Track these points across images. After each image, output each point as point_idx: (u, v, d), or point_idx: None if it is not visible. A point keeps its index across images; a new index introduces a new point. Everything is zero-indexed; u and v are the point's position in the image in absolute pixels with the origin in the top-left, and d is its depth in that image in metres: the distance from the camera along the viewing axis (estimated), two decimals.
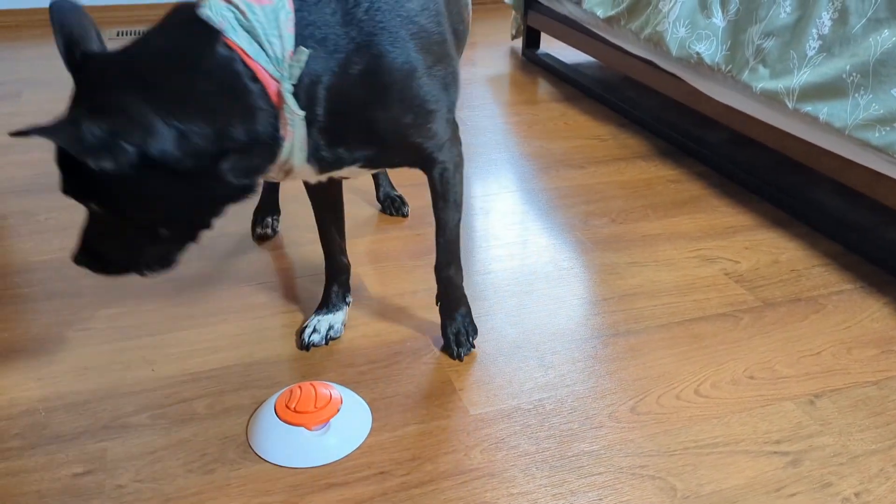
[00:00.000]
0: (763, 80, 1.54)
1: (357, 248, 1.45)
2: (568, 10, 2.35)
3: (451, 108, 1.03)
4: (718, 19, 1.68)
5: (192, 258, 1.40)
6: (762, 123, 1.62)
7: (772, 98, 1.52)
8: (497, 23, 3.24)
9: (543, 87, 2.42)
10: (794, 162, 1.62)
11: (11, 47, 2.69)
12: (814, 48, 1.44)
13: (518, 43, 2.91)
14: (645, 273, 1.39)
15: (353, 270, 1.30)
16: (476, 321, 1.19)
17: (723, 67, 1.66)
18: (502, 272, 1.40)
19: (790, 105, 1.47)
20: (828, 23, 1.41)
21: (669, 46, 1.78)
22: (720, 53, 1.67)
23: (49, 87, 2.28)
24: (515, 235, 1.53)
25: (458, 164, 1.10)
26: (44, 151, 1.82)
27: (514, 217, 1.60)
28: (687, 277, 1.38)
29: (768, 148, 1.66)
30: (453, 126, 1.06)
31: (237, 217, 1.50)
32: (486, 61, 2.68)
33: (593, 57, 2.29)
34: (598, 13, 2.09)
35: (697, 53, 1.71)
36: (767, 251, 1.47)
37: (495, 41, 2.95)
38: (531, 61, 2.69)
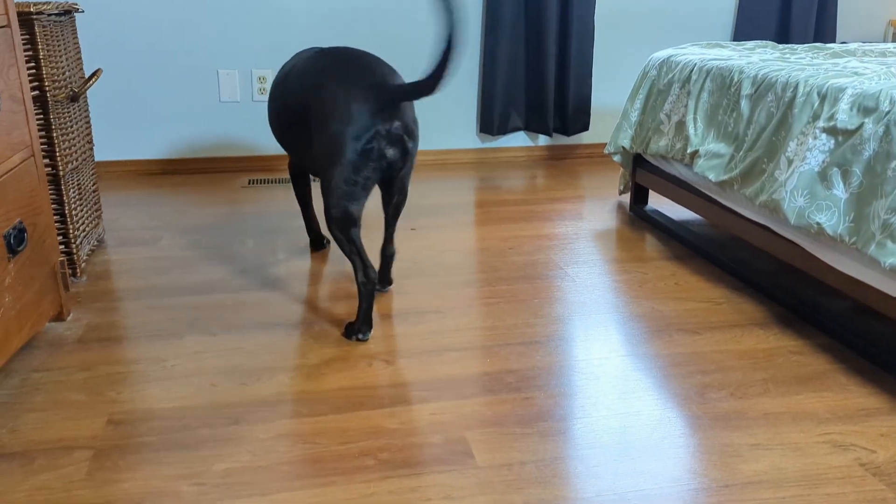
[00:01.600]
0: (892, 256, 1.48)
1: (463, 409, 1.45)
2: (678, 170, 2.38)
3: None
4: (840, 191, 1.65)
5: (306, 417, 1.43)
6: (892, 299, 1.55)
7: None
8: (605, 177, 3.31)
9: (652, 244, 2.42)
10: None
11: (154, 194, 2.95)
12: None
13: (626, 198, 2.95)
14: (769, 458, 1.31)
15: (459, 434, 1.28)
16: (577, 491, 1.14)
17: (846, 239, 1.62)
18: (612, 445, 1.35)
19: None
20: None
21: (787, 215, 1.76)
22: (843, 225, 1.63)
23: (186, 234, 2.47)
24: (627, 405, 1.48)
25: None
26: (167, 297, 1.95)
27: (626, 384, 1.56)
28: (817, 466, 1.29)
29: None
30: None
31: (363, 398, 1.54)
32: (594, 215, 2.72)
33: (704, 217, 2.28)
34: (710, 177, 2.10)
35: (818, 224, 1.68)
36: None
37: (603, 195, 3.00)
38: (639, 217, 2.71)
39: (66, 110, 2.06)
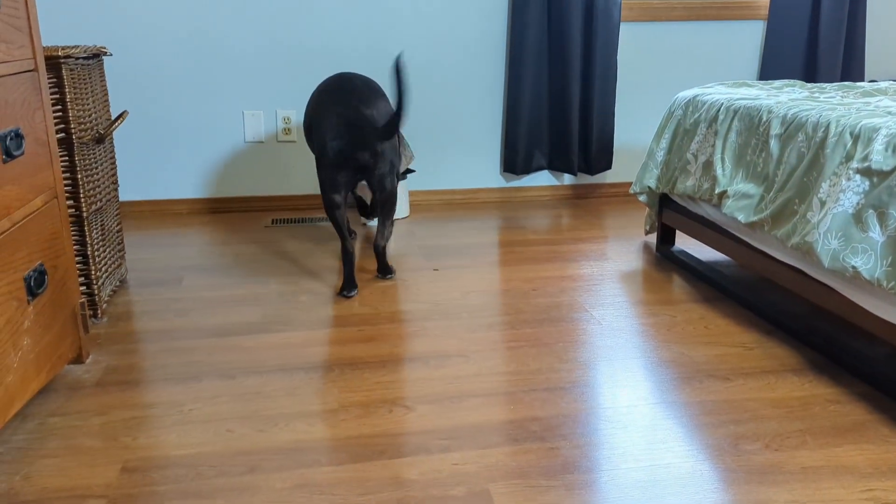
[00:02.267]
0: None
1: (487, 459, 1.40)
2: (705, 211, 2.33)
3: None
4: (876, 234, 1.60)
5: (324, 466, 1.39)
6: None
7: None
8: (630, 216, 3.27)
9: (679, 286, 2.36)
10: None
11: (177, 234, 2.96)
12: None
13: (651, 238, 2.90)
14: None
15: (482, 487, 1.24)
16: None
17: (884, 284, 1.56)
18: (641, 500, 1.29)
19: None
20: None
21: (821, 258, 1.70)
22: (880, 269, 1.57)
23: (208, 275, 2.46)
24: (656, 457, 1.42)
25: None
26: (187, 339, 1.93)
27: (655, 434, 1.50)
28: None
29: None
30: None
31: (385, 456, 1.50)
32: (620, 256, 2.67)
33: (733, 259, 2.22)
34: (739, 218, 2.06)
35: (854, 268, 1.62)
36: None
37: (628, 235, 2.95)
38: (666, 258, 2.66)
39: (91, 152, 2.08)
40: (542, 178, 3.59)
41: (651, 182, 2.60)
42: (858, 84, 2.44)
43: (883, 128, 1.63)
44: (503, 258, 2.66)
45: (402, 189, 3.20)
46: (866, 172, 1.63)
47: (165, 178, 3.23)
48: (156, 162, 3.21)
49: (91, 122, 2.08)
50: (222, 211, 3.30)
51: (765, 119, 2.03)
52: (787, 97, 2.13)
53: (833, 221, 1.68)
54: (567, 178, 3.61)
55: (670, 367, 1.80)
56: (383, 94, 2.34)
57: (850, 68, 3.59)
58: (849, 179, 1.66)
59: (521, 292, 2.31)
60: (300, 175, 3.34)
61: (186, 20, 3.10)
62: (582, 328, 2.03)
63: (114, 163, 2.33)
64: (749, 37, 3.58)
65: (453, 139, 3.43)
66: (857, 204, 1.65)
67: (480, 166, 3.50)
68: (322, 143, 2.17)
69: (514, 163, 3.42)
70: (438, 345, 1.92)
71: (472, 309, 2.17)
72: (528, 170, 3.46)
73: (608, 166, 3.56)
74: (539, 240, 2.89)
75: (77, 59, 1.98)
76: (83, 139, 2.00)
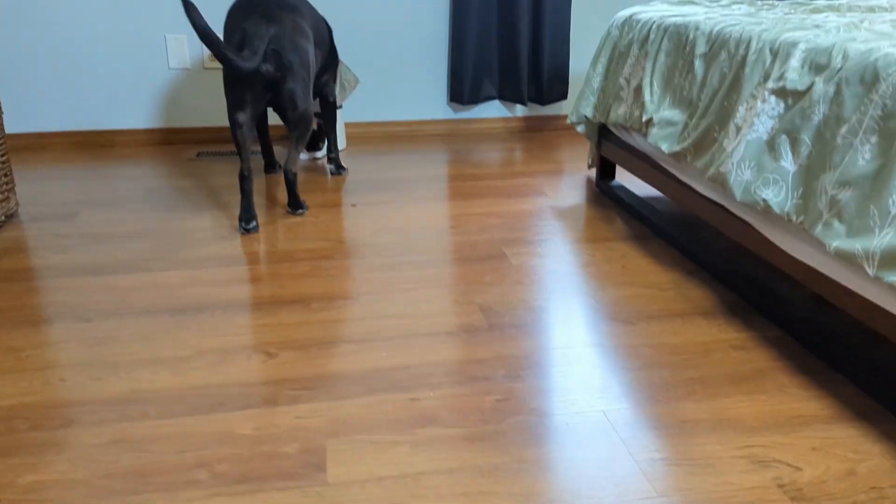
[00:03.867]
0: (838, 238, 1.26)
1: (336, 412, 1.27)
2: (636, 141, 2.15)
3: None
4: (788, 162, 1.43)
5: (152, 420, 1.26)
6: (842, 287, 1.33)
7: (849, 260, 1.23)
8: (583, 150, 3.08)
9: (609, 223, 2.20)
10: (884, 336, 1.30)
11: (90, 167, 2.79)
12: None
13: (595, 172, 2.73)
14: (675, 476, 1.11)
15: (319, 443, 1.11)
16: None
17: (794, 218, 1.40)
18: (491, 457, 1.16)
19: (870, 272, 1.18)
20: None
21: (733, 190, 1.54)
22: (790, 202, 1.41)
23: (110, 208, 2.31)
24: (522, 410, 1.29)
25: None
26: (57, 278, 1.79)
27: (528, 386, 1.37)
28: (727, 487, 1.09)
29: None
30: None
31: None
32: (558, 192, 2.50)
33: (663, 193, 2.06)
34: (663, 147, 1.88)
35: (764, 200, 1.46)
36: (842, 455, 1.15)
37: (574, 170, 2.78)
38: (604, 194, 2.49)
39: None
40: (493, 110, 3.39)
41: (588, 111, 2.41)
42: (819, 1, 2.22)
43: (802, 42, 1.43)
44: (432, 194, 2.49)
45: (339, 119, 3.01)
46: (781, 93, 1.45)
47: (83, 109, 3.04)
48: (72, 91, 3.01)
49: None
50: (145, 144, 3.12)
51: (691, 38, 1.83)
52: (721, 13, 1.92)
53: (747, 149, 1.51)
54: (520, 110, 3.41)
55: (571, 310, 1.66)
56: (296, 10, 2.18)
57: None
58: (764, 101, 1.48)
59: (438, 230, 2.15)
60: None
61: None
62: (490, 268, 1.88)
63: None
64: None
65: (395, 65, 3.22)
66: (772, 129, 1.47)
67: (426, 96, 3.29)
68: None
69: (460, 92, 3.22)
70: (328, 286, 1.77)
71: (379, 248, 2.02)
72: (476, 100, 3.26)
73: (564, 97, 3.35)
74: (476, 174, 2.72)
75: None
76: None
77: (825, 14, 1.89)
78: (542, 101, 3.30)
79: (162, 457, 1.16)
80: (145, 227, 2.16)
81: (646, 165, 2.12)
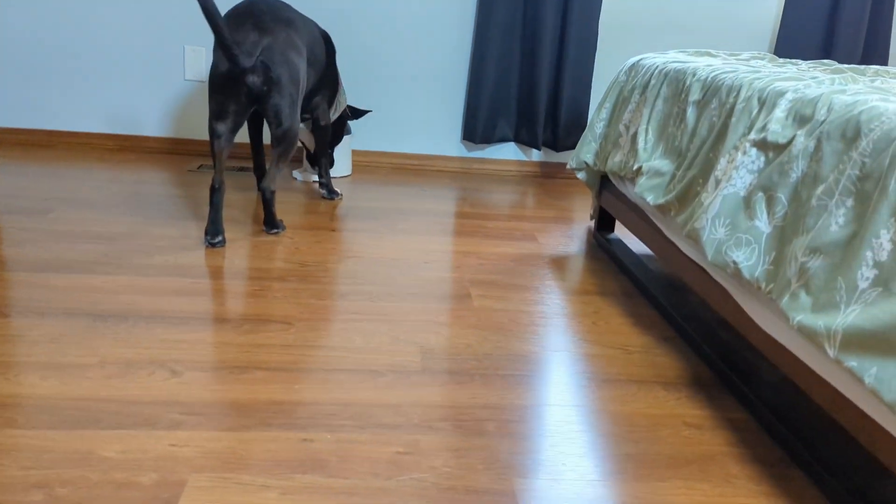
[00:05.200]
0: (803, 312, 1.09)
1: (215, 444, 1.14)
2: (629, 191, 2.01)
3: None
4: (763, 222, 1.27)
5: (13, 429, 1.15)
6: (806, 368, 1.15)
7: (810, 338, 1.06)
8: (589, 200, 2.94)
9: (595, 277, 2.05)
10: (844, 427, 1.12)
11: (87, 168, 2.76)
12: (867, 278, 0.99)
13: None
14: None
15: (182, 476, 0.98)
16: None
17: (763, 286, 1.23)
18: None
19: (831, 353, 1.01)
20: (887, 246, 0.97)
21: (705, 248, 1.38)
22: (760, 267, 1.25)
23: (86, 208, 2.26)
24: (429, 471, 1.14)
25: None
26: (2, 272, 1.72)
27: (446, 444, 1.21)
28: None
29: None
30: None
31: None
32: (552, 239, 2.36)
33: (650, 249, 1.90)
34: (648, 199, 1.73)
35: (735, 262, 1.30)
36: None
37: (577, 219, 2.64)
38: (600, 246, 2.34)
39: None
40: (509, 152, 3.28)
41: (588, 157, 2.28)
42: (844, 66, 2.06)
43: (790, 91, 1.29)
44: (420, 227, 2.38)
45: (345, 145, 2.94)
46: (762, 145, 1.30)
47: (96, 112, 3.04)
48: (88, 94, 3.02)
49: None
50: (153, 151, 3.10)
51: (687, 84, 1.69)
52: (722, 62, 1.78)
53: (723, 205, 1.36)
54: (535, 154, 3.29)
55: (518, 363, 1.51)
56: (292, 24, 2.12)
57: (872, 51, 3.15)
58: (745, 154, 1.33)
59: (411, 264, 2.03)
60: None
61: None
62: (450, 308, 1.74)
63: None
64: (763, 6, 3.17)
65: (410, 96, 3.14)
66: (749, 185, 1.32)
67: (439, 131, 3.20)
68: (212, 66, 2.00)
69: (473, 129, 3.12)
70: (267, 308, 1.66)
71: (338, 275, 1.90)
72: (489, 139, 3.15)
73: None
74: (474, 213, 2.60)
75: None
76: None
77: (845, 74, 1.73)
78: (556, 148, 3.17)
79: (4, 471, 1.04)
80: (113, 230, 2.09)
81: (637, 218, 1.97)
